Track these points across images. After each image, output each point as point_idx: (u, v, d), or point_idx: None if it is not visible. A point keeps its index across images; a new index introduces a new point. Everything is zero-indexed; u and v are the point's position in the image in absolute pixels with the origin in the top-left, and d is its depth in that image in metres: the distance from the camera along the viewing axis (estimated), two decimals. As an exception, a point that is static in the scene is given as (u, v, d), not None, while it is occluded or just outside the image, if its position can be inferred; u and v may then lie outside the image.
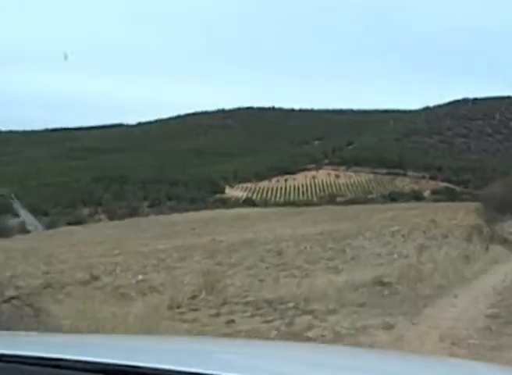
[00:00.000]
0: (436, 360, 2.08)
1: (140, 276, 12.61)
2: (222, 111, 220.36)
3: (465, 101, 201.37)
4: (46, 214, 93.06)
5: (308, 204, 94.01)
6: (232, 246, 19.87)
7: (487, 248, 12.09)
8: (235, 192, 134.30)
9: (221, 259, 15.47)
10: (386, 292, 7.41)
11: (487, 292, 7.78)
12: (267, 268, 12.82)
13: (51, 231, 58.91)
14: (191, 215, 75.82)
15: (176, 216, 75.35)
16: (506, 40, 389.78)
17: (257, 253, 16.81)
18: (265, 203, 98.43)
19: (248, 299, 8.23)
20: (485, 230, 15.12)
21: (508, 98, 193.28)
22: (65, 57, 36.87)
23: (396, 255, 14.25)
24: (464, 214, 35.17)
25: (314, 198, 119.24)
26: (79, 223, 64.45)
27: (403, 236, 20.94)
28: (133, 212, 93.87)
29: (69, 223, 61.51)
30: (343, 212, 57.63)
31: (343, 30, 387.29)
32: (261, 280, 10.08)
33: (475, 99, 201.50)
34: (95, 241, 38.24)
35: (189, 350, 1.63)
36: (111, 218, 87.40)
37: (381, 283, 7.71)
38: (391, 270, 9.32)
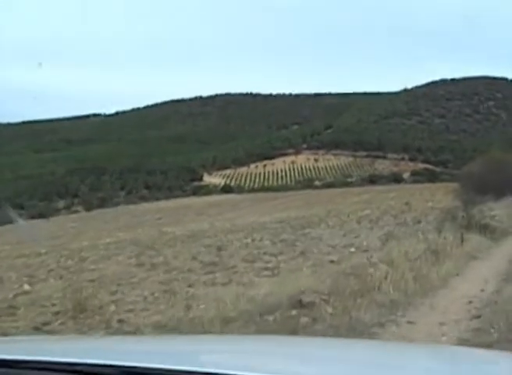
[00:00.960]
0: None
1: (27, 287, 9.90)
2: (200, 98, 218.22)
3: (443, 81, 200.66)
4: (21, 207, 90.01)
5: (285, 189, 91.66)
6: (173, 240, 17.27)
7: (462, 240, 9.48)
8: (213, 179, 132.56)
9: (146, 258, 12.80)
10: (305, 319, 4.83)
11: (458, 312, 5.21)
12: (189, 271, 10.17)
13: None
14: (163, 204, 73.20)
15: (147, 206, 72.58)
16: (483, 20, 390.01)
17: (195, 248, 14.19)
18: (241, 189, 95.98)
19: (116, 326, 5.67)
20: (461, 215, 12.52)
21: (486, 78, 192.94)
22: (40, 65, 33.75)
23: (353, 249, 11.71)
24: (442, 195, 33.14)
25: (293, 183, 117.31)
26: (43, 216, 60.97)
27: (370, 222, 18.52)
28: (107, 203, 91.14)
29: (33, 217, 58.14)
30: (319, 196, 55.36)
31: (319, 14, 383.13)
32: (156, 298, 7.44)
33: (453, 79, 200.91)
34: (49, 236, 35.36)
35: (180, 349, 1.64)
36: (88, 209, 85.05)
37: (300, 304, 5.12)
38: (330, 276, 6.73)
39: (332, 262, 10.09)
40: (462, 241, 9.47)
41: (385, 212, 22.97)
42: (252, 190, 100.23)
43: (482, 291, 6.25)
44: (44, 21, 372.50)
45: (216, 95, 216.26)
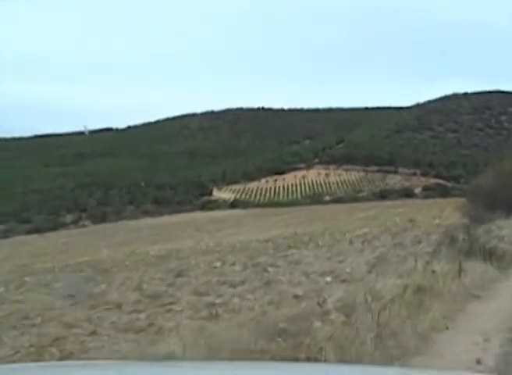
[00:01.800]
0: None
1: None
2: (211, 113, 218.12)
3: (455, 96, 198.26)
4: (29, 221, 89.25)
5: (294, 204, 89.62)
6: (139, 262, 15.24)
7: (460, 271, 7.23)
8: (223, 194, 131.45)
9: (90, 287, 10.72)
10: None
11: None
12: (117, 307, 8.10)
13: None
14: (166, 219, 71.56)
15: (150, 221, 70.92)
16: (496, 34, 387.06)
17: (153, 273, 12.15)
18: (246, 205, 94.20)
19: None
20: (461, 238, 10.17)
21: (498, 92, 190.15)
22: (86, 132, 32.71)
23: (329, 278, 9.56)
24: (451, 211, 30.95)
25: (306, 198, 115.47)
26: (39, 231, 59.34)
27: (363, 242, 16.35)
28: (115, 217, 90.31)
29: (29, 232, 56.52)
30: (325, 211, 53.13)
31: (330, 30, 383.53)
32: (29, 353, 5.36)
33: (465, 94, 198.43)
34: (32, 253, 33.64)
35: None
36: (94, 223, 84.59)
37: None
38: (258, 330, 4.62)
39: (295, 297, 7.98)
40: (460, 273, 7.28)
41: (385, 230, 20.76)
42: (259, 205, 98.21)
43: (477, 362, 4.00)
44: (54, 35, 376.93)
45: (227, 110, 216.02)
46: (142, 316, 7.25)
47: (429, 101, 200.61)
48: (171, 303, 8.37)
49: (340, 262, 12.08)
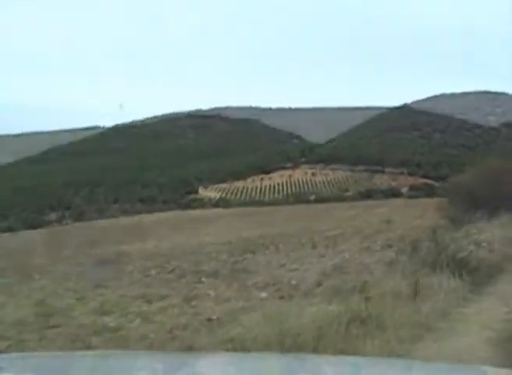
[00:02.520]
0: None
1: None
2: (200, 111, 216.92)
3: (443, 96, 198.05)
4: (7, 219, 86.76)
5: (277, 203, 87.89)
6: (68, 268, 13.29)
7: (416, 291, 5.37)
8: (209, 193, 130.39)
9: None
10: None
11: None
12: None
13: None
14: (145, 217, 69.38)
15: (127, 220, 68.64)
16: (484, 35, 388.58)
17: (75, 283, 10.19)
18: (229, 204, 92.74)
19: None
20: (426, 245, 8.22)
21: (486, 92, 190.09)
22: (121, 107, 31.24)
23: (265, 294, 7.76)
24: (433, 211, 29.35)
25: (290, 197, 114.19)
26: (11, 229, 57.00)
27: (327, 247, 14.59)
28: (100, 216, 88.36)
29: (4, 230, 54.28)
30: (305, 211, 51.36)
31: (320, 30, 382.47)
32: None
33: (453, 94, 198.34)
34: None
35: None
36: (76, 222, 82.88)
37: None
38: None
39: (209, 320, 6.17)
40: (416, 294, 5.44)
41: (358, 232, 19.02)
42: (243, 204, 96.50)
43: None
44: (41, 34, 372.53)
45: (215, 108, 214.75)
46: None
47: (417, 101, 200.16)
48: (56, 326, 6.50)
49: (292, 270, 10.28)
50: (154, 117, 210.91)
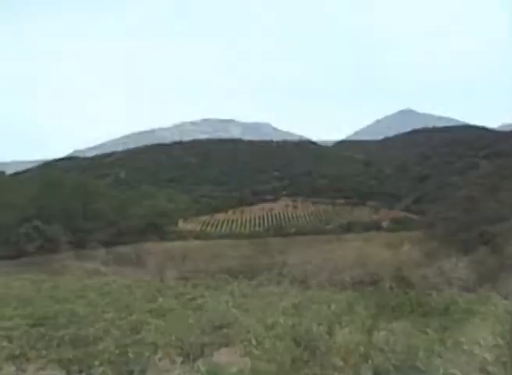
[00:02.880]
0: None
1: None
2: (180, 143, 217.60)
3: (425, 130, 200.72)
4: None
5: (256, 236, 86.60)
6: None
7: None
8: (188, 225, 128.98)
9: None
10: None
11: None
12: None
13: None
14: (118, 249, 67.13)
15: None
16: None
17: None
18: (208, 236, 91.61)
19: None
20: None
21: (468, 126, 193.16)
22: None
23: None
24: (409, 245, 28.23)
25: (270, 230, 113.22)
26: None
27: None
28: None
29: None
30: (279, 245, 49.83)
31: (305, 60, 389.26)
32: None
33: (435, 128, 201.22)
34: None
35: None
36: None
37: None
38: None
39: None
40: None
41: (327, 267, 17.59)
42: (222, 236, 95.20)
43: None
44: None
45: (196, 140, 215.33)
46: None
47: (398, 135, 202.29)
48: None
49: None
50: (135, 148, 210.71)
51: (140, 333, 6.96)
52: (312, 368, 4.49)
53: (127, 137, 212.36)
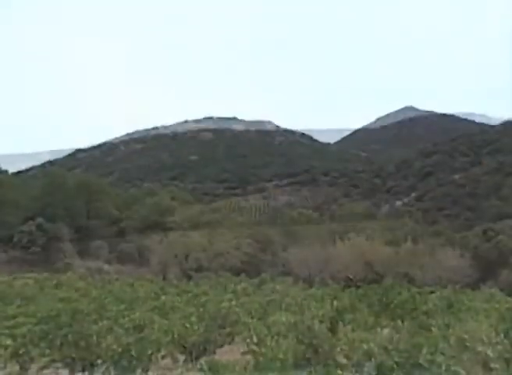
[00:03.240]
0: None
1: None
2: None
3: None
4: None
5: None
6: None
7: None
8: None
9: None
10: None
11: None
12: None
13: None
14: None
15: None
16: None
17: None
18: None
19: None
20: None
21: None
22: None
23: None
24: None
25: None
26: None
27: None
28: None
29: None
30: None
31: (306, 59, 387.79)
32: None
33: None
34: None
35: None
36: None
37: None
38: None
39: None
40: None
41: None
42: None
43: None
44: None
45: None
46: None
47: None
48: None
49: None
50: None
51: (143, 331, 6.97)
52: (315, 365, 4.48)
53: (130, 134, 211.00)
